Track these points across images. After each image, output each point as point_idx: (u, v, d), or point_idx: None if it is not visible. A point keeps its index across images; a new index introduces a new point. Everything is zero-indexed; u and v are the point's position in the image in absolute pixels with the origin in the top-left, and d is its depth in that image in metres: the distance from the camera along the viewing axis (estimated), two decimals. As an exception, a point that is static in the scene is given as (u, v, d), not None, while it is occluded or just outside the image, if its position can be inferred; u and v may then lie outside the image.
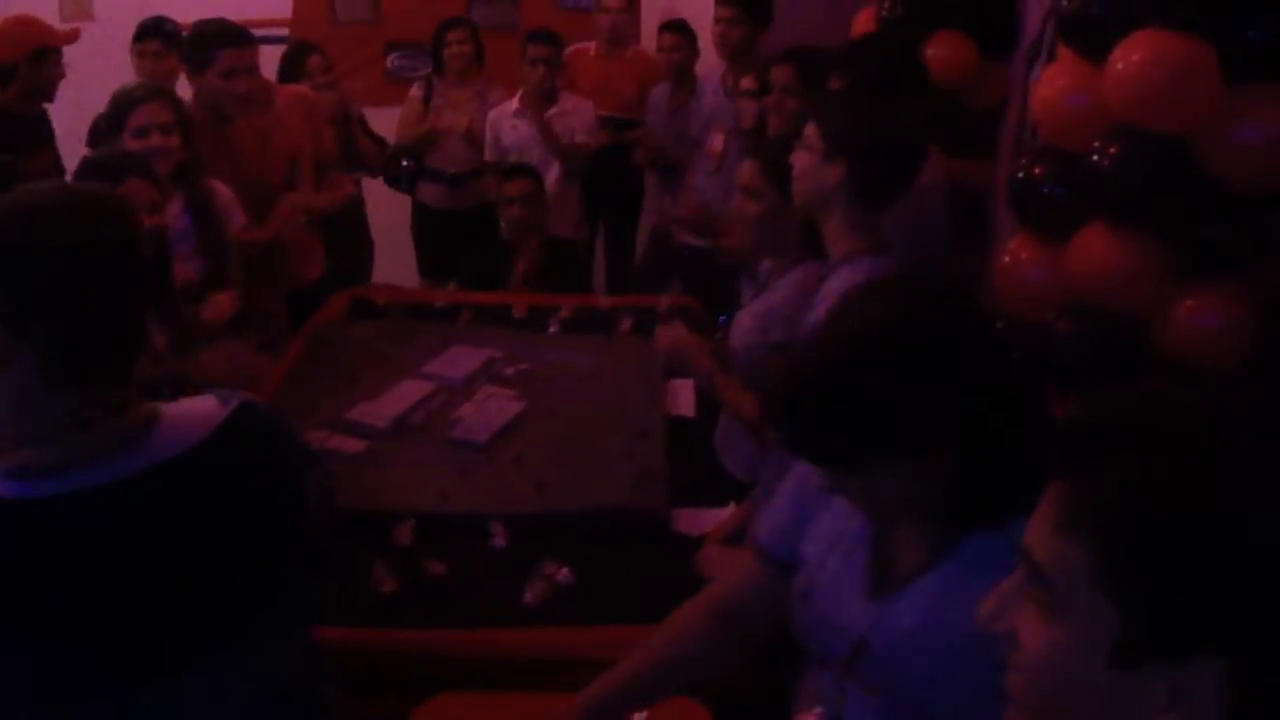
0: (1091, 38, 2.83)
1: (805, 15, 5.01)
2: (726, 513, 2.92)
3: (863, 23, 4.55)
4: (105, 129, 3.40)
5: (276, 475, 1.59)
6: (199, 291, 3.43)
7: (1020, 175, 3.09)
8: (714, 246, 3.79)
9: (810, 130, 2.51)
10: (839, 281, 2.37)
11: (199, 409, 1.53)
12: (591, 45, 5.80)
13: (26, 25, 4.31)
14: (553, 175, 5.26)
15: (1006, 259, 3.13)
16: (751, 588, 1.81)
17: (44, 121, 4.38)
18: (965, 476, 1.41)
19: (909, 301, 1.46)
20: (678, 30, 5.47)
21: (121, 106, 3.39)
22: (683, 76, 5.48)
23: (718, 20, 4.96)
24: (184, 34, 4.70)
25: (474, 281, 4.75)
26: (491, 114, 5.40)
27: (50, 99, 4.35)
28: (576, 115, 5.38)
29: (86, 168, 3.00)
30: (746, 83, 4.25)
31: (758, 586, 1.79)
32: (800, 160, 2.52)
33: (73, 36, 4.33)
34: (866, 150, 2.43)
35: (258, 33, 4.60)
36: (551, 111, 5.31)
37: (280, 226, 3.99)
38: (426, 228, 5.74)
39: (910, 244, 3.05)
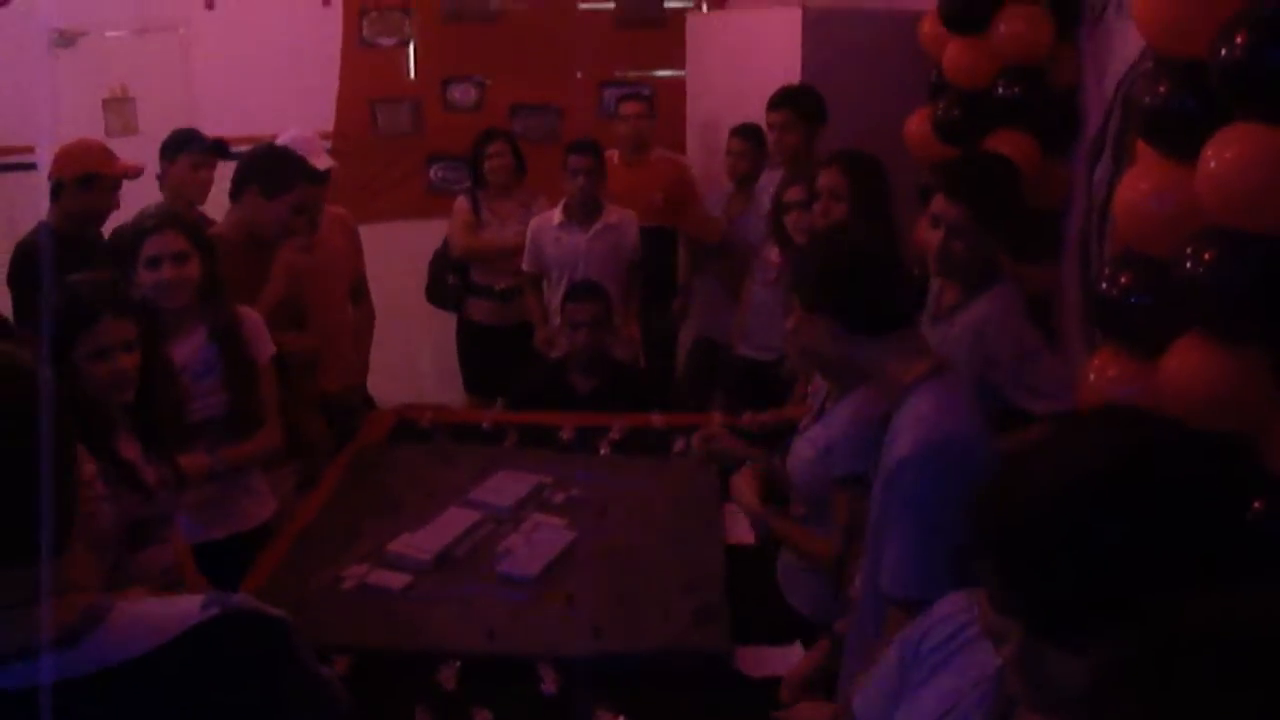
0: (1177, 135, 2.64)
1: (857, 116, 4.87)
2: (793, 652, 2.75)
3: (918, 122, 4.46)
4: (119, 260, 3.23)
5: (244, 710, 1.35)
6: (222, 428, 3.27)
7: (1104, 285, 2.87)
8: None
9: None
10: (915, 411, 2.20)
11: (166, 610, 1.33)
12: (614, 154, 5.65)
13: (84, 148, 4.33)
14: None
15: (1092, 376, 2.91)
16: None
17: (95, 246, 4.28)
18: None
19: (1169, 439, 1.20)
20: (746, 136, 5.31)
21: (134, 237, 3.22)
22: (745, 184, 5.34)
23: (771, 126, 4.83)
24: (223, 145, 4.71)
25: (524, 401, 4.60)
26: (532, 223, 5.27)
27: (98, 225, 4.31)
28: (622, 229, 5.23)
29: (58, 305, 2.68)
30: (793, 193, 4.04)
31: None
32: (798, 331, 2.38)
33: (133, 170, 4.28)
34: (831, 289, 2.29)
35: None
36: (597, 226, 5.17)
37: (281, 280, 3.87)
38: (473, 344, 5.64)
39: (970, 364, 2.93)
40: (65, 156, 4.24)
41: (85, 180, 4.16)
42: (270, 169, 3.89)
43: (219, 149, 4.79)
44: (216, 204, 4.45)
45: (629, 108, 5.65)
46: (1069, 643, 1.15)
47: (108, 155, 4.31)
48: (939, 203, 3.07)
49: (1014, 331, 3.07)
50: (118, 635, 1.28)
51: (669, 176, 5.68)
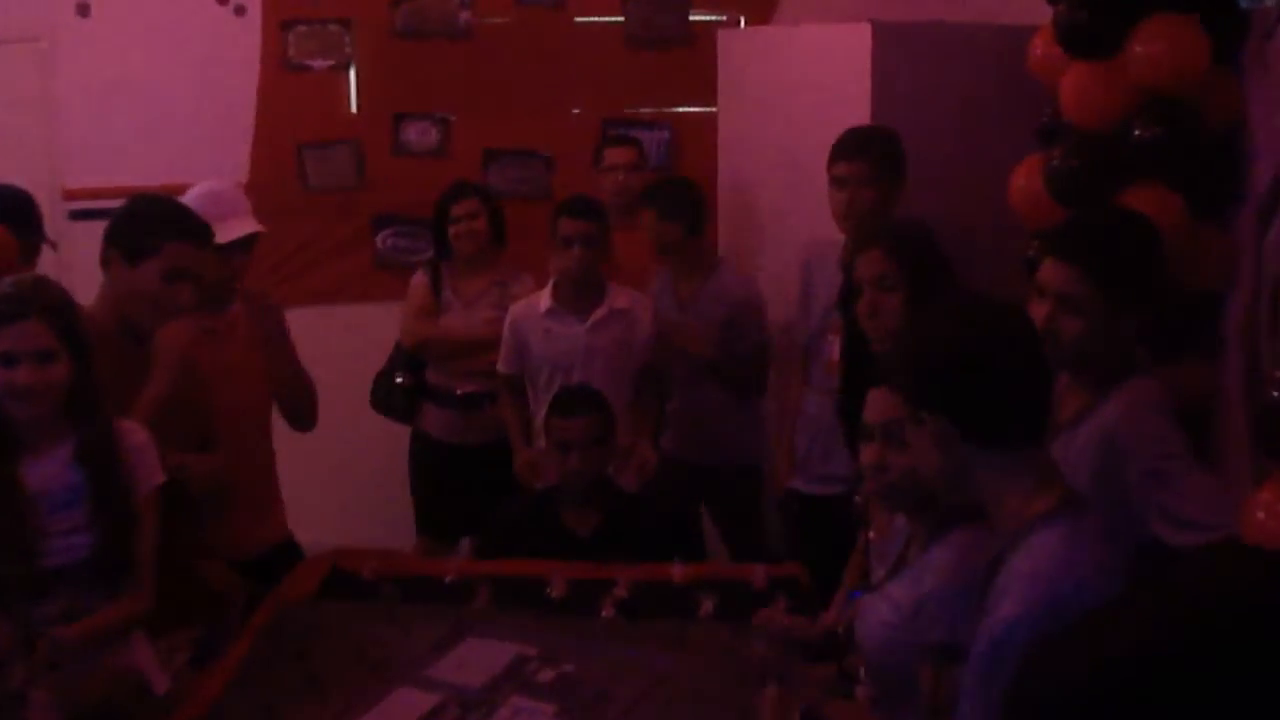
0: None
1: (943, 166, 4.89)
2: None
3: (1025, 174, 4.45)
4: None
5: None
6: (86, 578, 3.26)
7: (1276, 393, 2.88)
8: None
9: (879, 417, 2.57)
10: (1032, 560, 2.24)
11: None
12: None
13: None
14: None
15: (1260, 514, 2.88)
16: None
17: None
18: None
19: None
20: (651, 200, 5.42)
21: None
22: (683, 256, 5.43)
23: (841, 182, 4.69)
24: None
25: (499, 546, 4.59)
26: (513, 311, 5.32)
27: None
28: (632, 318, 5.25)
29: None
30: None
31: None
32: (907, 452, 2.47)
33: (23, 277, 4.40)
34: (945, 380, 2.35)
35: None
36: (598, 314, 5.18)
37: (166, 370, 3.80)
38: (428, 467, 5.68)
39: (1095, 487, 2.92)
40: None
41: None
42: (132, 224, 3.83)
43: None
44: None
45: (617, 155, 5.76)
46: None
47: (12, 252, 4.39)
48: (1046, 268, 3.10)
49: (1148, 435, 3.06)
50: None
51: None
